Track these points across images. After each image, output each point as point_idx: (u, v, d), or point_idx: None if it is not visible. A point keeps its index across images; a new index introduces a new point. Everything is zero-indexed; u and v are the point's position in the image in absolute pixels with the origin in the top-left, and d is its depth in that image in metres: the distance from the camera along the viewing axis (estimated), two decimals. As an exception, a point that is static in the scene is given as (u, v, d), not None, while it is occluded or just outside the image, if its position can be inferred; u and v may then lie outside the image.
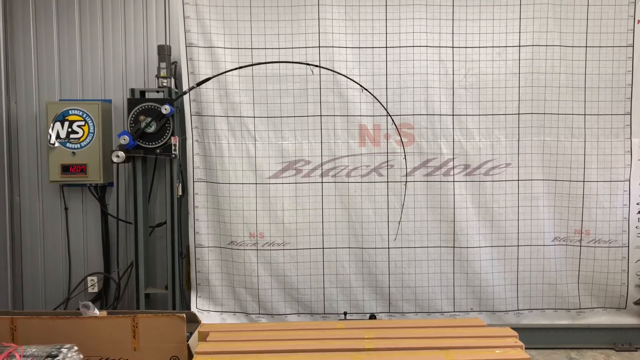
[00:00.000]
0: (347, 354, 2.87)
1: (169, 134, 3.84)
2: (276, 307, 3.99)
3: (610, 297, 4.00)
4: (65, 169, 4.05)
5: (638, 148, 3.90)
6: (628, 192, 3.93)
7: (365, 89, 3.75)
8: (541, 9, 3.84)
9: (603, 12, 3.83)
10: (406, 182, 3.88)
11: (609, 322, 4.00)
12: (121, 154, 3.76)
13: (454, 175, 3.93)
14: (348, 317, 3.91)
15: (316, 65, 3.76)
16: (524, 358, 2.80)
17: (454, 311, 4.00)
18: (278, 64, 3.83)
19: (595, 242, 3.96)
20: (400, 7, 3.84)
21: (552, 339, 4.00)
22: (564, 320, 4.02)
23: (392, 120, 3.81)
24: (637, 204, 3.95)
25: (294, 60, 3.79)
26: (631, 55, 3.85)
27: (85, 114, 4.06)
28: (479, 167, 3.93)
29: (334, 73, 3.81)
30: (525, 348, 2.95)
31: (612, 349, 3.98)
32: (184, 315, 3.11)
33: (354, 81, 3.76)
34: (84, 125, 4.07)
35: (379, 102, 3.81)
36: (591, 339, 4.00)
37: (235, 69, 3.77)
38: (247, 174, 3.93)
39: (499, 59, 3.87)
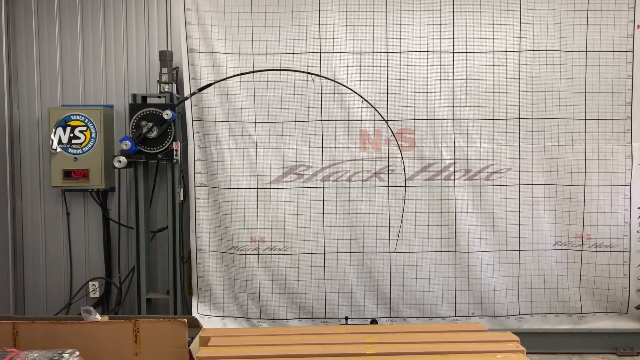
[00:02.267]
0: (348, 359, 2.87)
1: (171, 139, 3.85)
2: (277, 312, 3.99)
3: (612, 301, 3.99)
4: (67, 174, 4.06)
5: (639, 152, 3.91)
6: (629, 197, 3.93)
7: (365, 100, 3.75)
8: (541, 14, 3.85)
9: (603, 17, 3.84)
10: (405, 186, 3.88)
11: (611, 326, 4.00)
12: (123, 159, 3.77)
13: (454, 179, 3.93)
14: (349, 322, 3.90)
15: (317, 75, 3.77)
16: (526, 363, 2.80)
17: (456, 316, 4.00)
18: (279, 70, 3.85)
19: (596, 247, 3.96)
20: (400, 13, 3.86)
21: (553, 344, 3.99)
22: (565, 325, 4.01)
23: (390, 130, 3.81)
24: (638, 208, 3.94)
25: (296, 69, 3.79)
26: (631, 60, 3.86)
27: (87, 119, 4.08)
28: (479, 171, 3.94)
29: (335, 77, 3.83)
30: (527, 353, 2.95)
31: (614, 353, 3.97)
32: (186, 320, 3.11)
33: (354, 92, 3.76)
34: (86, 130, 4.08)
35: (379, 114, 3.81)
36: (593, 343, 3.99)
37: (237, 75, 3.79)
38: (249, 179, 3.93)
39: (499, 64, 3.88)
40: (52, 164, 4.07)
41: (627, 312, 4.00)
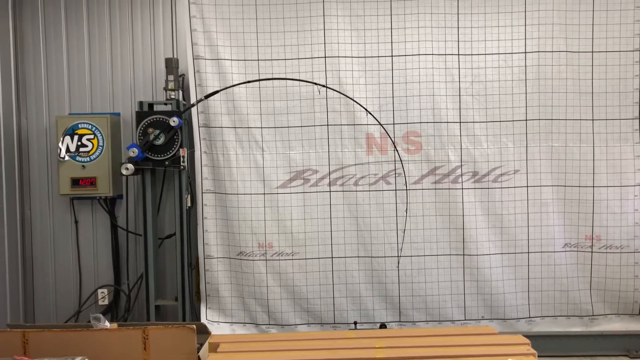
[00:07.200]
0: (357, 364, 2.86)
1: (178, 146, 3.86)
2: (286, 317, 3.98)
3: (623, 303, 3.95)
4: (75, 182, 4.08)
5: (647, 152, 3.88)
6: (639, 197, 3.89)
7: (369, 112, 3.74)
8: (546, 15, 3.84)
9: (609, 17, 3.82)
10: (407, 189, 3.87)
11: (623, 328, 3.95)
12: (130, 166, 3.79)
13: (462, 182, 3.92)
14: (358, 326, 3.89)
15: (323, 85, 3.77)
16: (537, 366, 2.78)
17: (465, 319, 3.97)
18: (284, 74, 3.85)
19: (606, 248, 3.93)
20: (405, 16, 3.86)
21: (565, 347, 3.96)
22: (576, 328, 3.97)
23: (387, 132, 3.80)
24: (648, 208, 3.92)
25: (301, 79, 3.80)
26: (638, 60, 3.84)
27: (94, 128, 4.10)
28: (487, 174, 3.92)
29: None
30: (538, 356, 2.93)
31: (626, 355, 3.93)
32: (194, 326, 3.11)
33: (358, 104, 3.76)
34: (94, 138, 4.10)
35: (376, 119, 3.81)
36: (604, 346, 3.95)
37: (243, 83, 3.80)
38: (256, 185, 3.94)
39: (505, 66, 3.87)
40: (60, 173, 4.10)
41: (638, 314, 3.96)
